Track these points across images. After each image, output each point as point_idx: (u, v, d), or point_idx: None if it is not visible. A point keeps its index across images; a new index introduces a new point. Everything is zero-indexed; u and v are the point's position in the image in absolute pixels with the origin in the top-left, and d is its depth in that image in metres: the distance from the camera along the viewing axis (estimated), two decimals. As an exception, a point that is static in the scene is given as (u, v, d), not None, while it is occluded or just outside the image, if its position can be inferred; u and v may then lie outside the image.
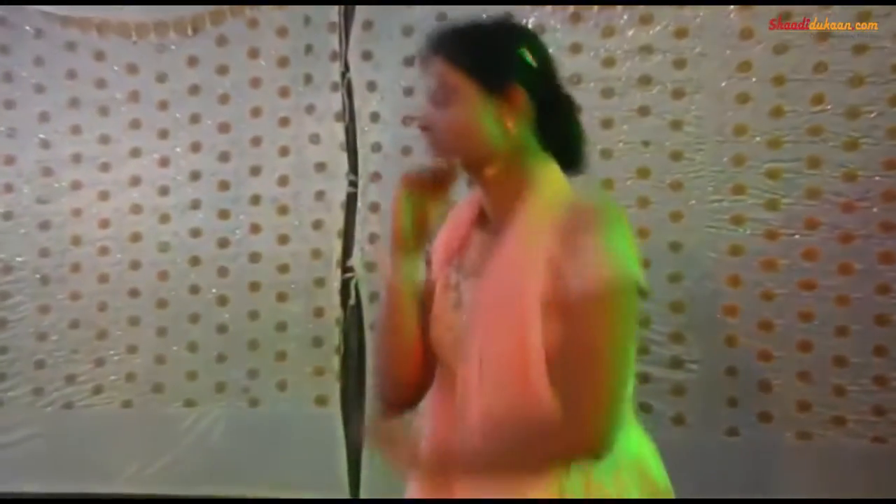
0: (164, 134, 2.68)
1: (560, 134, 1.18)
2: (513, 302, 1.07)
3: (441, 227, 1.27)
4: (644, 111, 2.34)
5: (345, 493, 2.55)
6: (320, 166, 2.60)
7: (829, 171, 2.21)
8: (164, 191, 2.69)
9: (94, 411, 2.71)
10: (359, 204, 2.55)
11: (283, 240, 2.62)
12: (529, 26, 2.05)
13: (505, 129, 1.12)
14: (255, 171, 2.64)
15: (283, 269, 2.62)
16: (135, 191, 2.70)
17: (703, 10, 2.28)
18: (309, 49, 2.59)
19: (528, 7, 2.37)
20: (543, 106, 1.15)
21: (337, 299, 2.58)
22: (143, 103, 2.69)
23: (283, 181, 2.62)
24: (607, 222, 1.06)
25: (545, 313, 1.05)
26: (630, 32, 2.34)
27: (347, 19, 2.55)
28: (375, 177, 2.55)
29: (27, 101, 2.75)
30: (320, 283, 2.60)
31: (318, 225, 2.61)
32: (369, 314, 2.55)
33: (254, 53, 2.63)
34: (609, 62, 2.35)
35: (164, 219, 2.68)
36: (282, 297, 2.62)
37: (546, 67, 1.17)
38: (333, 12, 2.57)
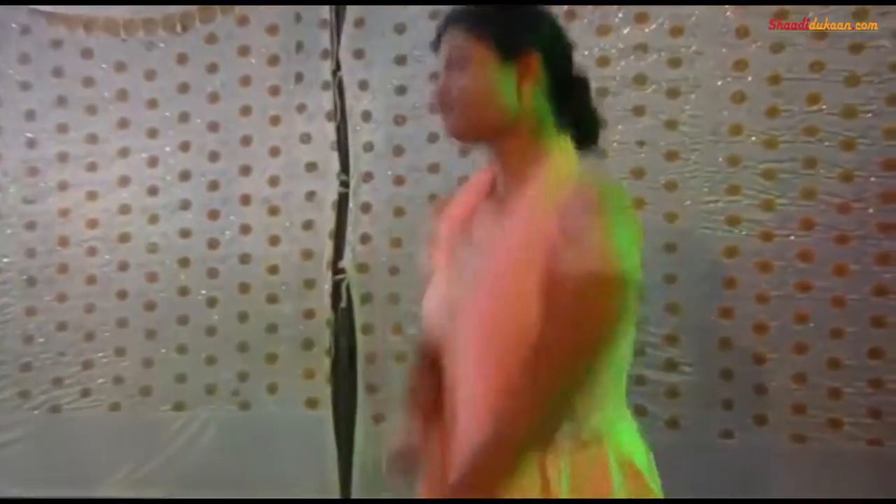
0: (152, 133, 2.65)
1: (575, 112, 1.20)
2: (514, 279, 1.08)
3: (453, 198, 1.30)
4: (639, 111, 2.31)
5: (336, 497, 2.52)
6: (311, 166, 2.57)
7: (825, 172, 2.19)
8: (152, 191, 2.65)
9: (82, 414, 2.68)
10: (350, 204, 2.52)
11: (274, 240, 2.59)
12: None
13: (520, 95, 1.14)
14: (245, 170, 2.61)
15: (274, 270, 2.59)
16: (123, 191, 2.66)
17: (698, 9, 2.25)
18: (300, 47, 2.56)
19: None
20: (559, 83, 1.17)
21: (328, 301, 2.55)
22: (131, 102, 2.65)
23: (273, 181, 2.59)
24: (608, 208, 1.05)
25: (540, 293, 1.05)
26: (625, 31, 2.31)
27: (339, 17, 2.52)
28: (367, 177, 2.51)
29: (13, 100, 2.71)
30: (311, 284, 2.57)
31: (308, 225, 2.57)
32: (360, 316, 2.52)
33: (244, 51, 2.59)
34: (603, 61, 2.32)
35: (153, 219, 2.65)
36: (272, 299, 2.59)
37: (560, 39, 1.19)
38: (325, 10, 2.53)
